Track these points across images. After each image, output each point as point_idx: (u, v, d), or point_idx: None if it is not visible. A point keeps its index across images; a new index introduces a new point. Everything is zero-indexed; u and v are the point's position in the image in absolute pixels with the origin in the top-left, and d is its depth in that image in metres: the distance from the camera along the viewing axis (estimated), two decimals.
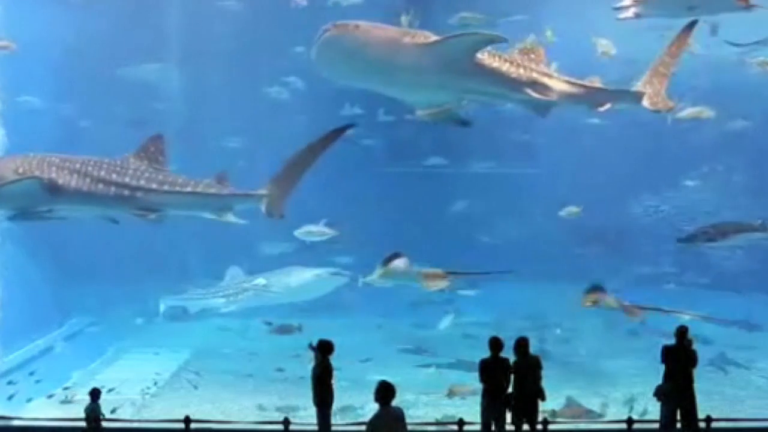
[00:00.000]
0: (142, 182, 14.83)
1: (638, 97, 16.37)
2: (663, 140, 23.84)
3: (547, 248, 23.93)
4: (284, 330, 19.36)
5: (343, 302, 21.58)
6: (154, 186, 14.89)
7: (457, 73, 14.75)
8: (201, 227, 23.89)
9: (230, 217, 15.69)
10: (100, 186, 14.61)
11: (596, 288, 15.65)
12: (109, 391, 15.68)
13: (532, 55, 15.70)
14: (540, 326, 20.49)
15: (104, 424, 11.52)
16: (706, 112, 20.39)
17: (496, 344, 11.07)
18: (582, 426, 13.86)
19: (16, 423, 13.51)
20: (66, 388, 16.39)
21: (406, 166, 25.41)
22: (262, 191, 15.49)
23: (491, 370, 10.99)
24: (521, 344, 11.04)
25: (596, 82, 16.43)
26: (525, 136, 24.04)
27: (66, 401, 15.86)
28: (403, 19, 15.44)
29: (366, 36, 14.16)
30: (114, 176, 14.71)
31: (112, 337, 21.23)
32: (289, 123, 22.08)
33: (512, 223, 24.52)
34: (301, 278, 19.83)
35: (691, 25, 16.80)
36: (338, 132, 15.37)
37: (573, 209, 21.63)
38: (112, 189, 14.67)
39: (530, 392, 10.98)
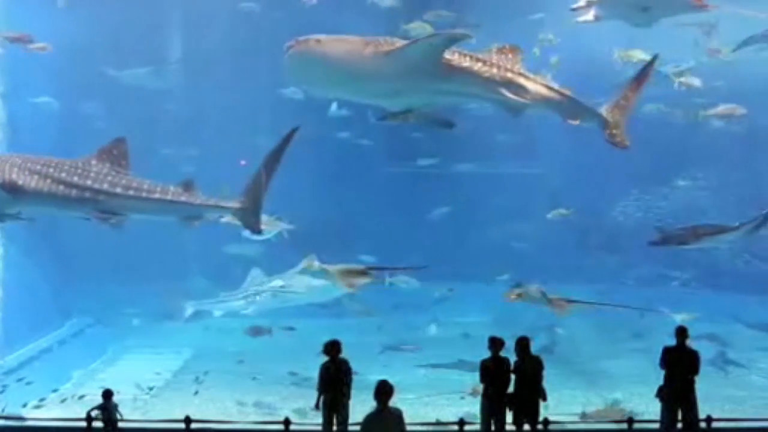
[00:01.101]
0: (105, 185, 14.52)
1: (603, 122, 16.28)
2: (664, 139, 23.94)
3: (547, 248, 23.95)
4: (256, 332, 19.76)
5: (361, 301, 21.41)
6: (118, 190, 14.57)
7: (426, 76, 14.68)
8: (202, 227, 24.08)
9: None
10: (61, 188, 14.36)
11: (520, 284, 15.69)
12: None
13: (510, 55, 15.54)
14: (540, 326, 20.42)
15: (101, 424, 11.49)
16: (739, 110, 20.40)
17: (496, 344, 11.07)
18: (582, 426, 13.87)
19: (16, 423, 13.51)
20: (55, 391, 16.24)
21: (411, 167, 25.41)
22: (236, 204, 15.18)
23: (492, 370, 10.99)
24: (522, 344, 11.04)
25: (568, 92, 16.24)
26: (526, 136, 24.00)
27: (62, 402, 15.79)
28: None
29: (328, 49, 14.26)
30: (75, 178, 14.44)
31: (112, 337, 21.24)
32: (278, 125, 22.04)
33: (512, 223, 24.52)
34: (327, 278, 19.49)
35: (652, 62, 16.95)
36: (289, 137, 15.22)
37: (562, 211, 21.66)
38: (73, 191, 14.41)
39: (531, 392, 10.97)
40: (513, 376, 11.02)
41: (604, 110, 16.31)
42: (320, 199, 23.30)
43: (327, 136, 23.23)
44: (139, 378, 17.89)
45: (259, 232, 15.87)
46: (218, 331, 21.73)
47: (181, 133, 23.81)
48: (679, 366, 11.03)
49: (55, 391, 16.25)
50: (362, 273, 15.89)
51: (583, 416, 13.83)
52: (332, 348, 11.18)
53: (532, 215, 24.10)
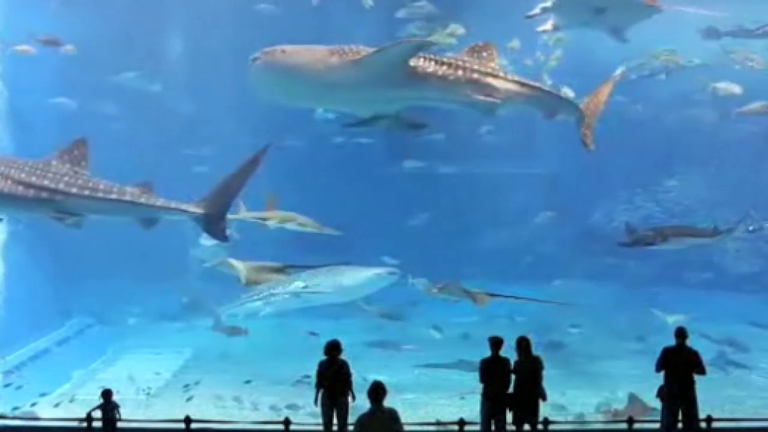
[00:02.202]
0: (62, 186, 14.39)
1: (580, 115, 16.30)
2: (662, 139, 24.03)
3: (546, 249, 23.99)
4: (234, 331, 20.18)
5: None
6: (74, 190, 14.43)
7: (392, 84, 14.75)
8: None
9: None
10: (20, 188, 14.24)
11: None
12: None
13: (484, 54, 15.56)
14: (540, 326, 20.43)
15: (100, 424, 11.49)
16: None
17: (496, 344, 11.06)
18: (582, 426, 13.87)
19: (16, 423, 13.50)
20: (43, 395, 16.16)
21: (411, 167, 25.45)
22: (198, 209, 14.98)
23: (491, 370, 10.97)
24: (522, 344, 11.03)
25: (544, 87, 16.41)
26: (527, 136, 24.03)
27: (55, 406, 15.74)
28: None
29: (293, 59, 14.35)
30: (34, 179, 14.32)
31: (112, 337, 21.25)
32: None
33: (512, 224, 24.52)
34: (355, 277, 19.00)
35: (614, 79, 17.19)
36: (262, 153, 15.14)
37: (548, 214, 21.65)
38: (31, 191, 14.28)
39: (531, 392, 10.96)
40: (513, 376, 11.01)
41: (582, 106, 16.44)
42: (337, 201, 23.35)
43: (344, 136, 23.24)
44: (139, 378, 17.91)
45: (224, 239, 15.58)
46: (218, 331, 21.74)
47: (194, 133, 23.79)
48: (679, 365, 11.02)
49: (43, 395, 16.10)
50: (278, 270, 15.76)
51: (615, 414, 13.79)
52: (332, 348, 11.17)
53: (535, 215, 24.17)
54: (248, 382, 17.56)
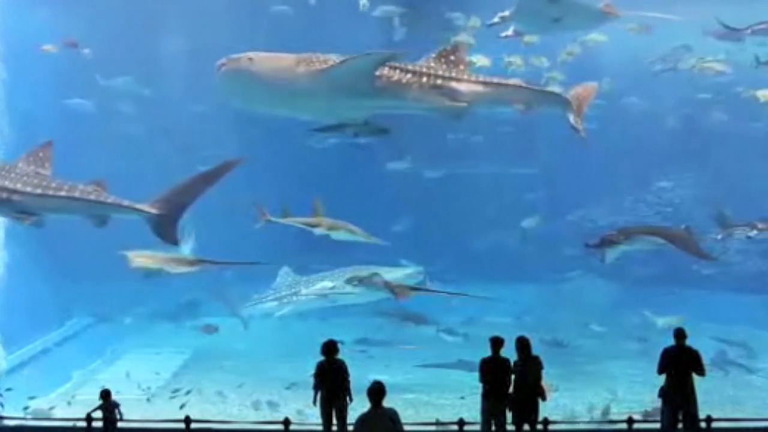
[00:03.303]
0: (19, 185, 14.40)
1: (566, 103, 16.26)
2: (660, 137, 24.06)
3: (545, 249, 23.95)
4: (208, 330, 20.53)
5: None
6: (29, 189, 14.41)
7: (358, 93, 14.85)
8: (200, 228, 24.07)
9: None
10: None
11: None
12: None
13: (452, 57, 15.59)
14: (539, 326, 20.45)
15: (100, 424, 11.50)
16: None
17: (496, 343, 11.06)
18: (582, 426, 13.88)
19: (16, 423, 13.52)
20: (32, 398, 16.07)
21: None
22: (152, 209, 14.83)
23: (491, 370, 10.98)
24: (522, 344, 11.03)
25: (520, 83, 16.34)
26: (525, 136, 24.05)
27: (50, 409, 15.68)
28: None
29: (259, 67, 14.44)
30: None
31: (111, 337, 21.23)
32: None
33: (510, 224, 24.49)
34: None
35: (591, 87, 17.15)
36: (231, 164, 15.01)
37: (536, 218, 21.63)
38: None
39: (531, 392, 10.96)
40: (513, 376, 11.01)
41: (570, 94, 16.41)
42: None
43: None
44: (138, 378, 17.91)
45: (174, 243, 15.28)
46: (218, 331, 21.72)
47: (204, 135, 23.78)
48: (679, 366, 11.03)
49: (32, 398, 16.00)
50: (191, 262, 15.58)
51: (646, 414, 13.77)
52: (328, 348, 11.18)
53: (534, 216, 24.14)
54: (240, 386, 17.50)
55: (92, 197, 14.61)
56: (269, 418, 13.51)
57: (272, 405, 16.14)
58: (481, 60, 19.60)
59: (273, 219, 17.38)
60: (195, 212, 24.53)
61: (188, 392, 16.86)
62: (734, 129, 24.14)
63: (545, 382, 14.94)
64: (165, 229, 14.89)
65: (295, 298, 19.31)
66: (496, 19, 16.78)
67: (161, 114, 23.33)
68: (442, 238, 24.43)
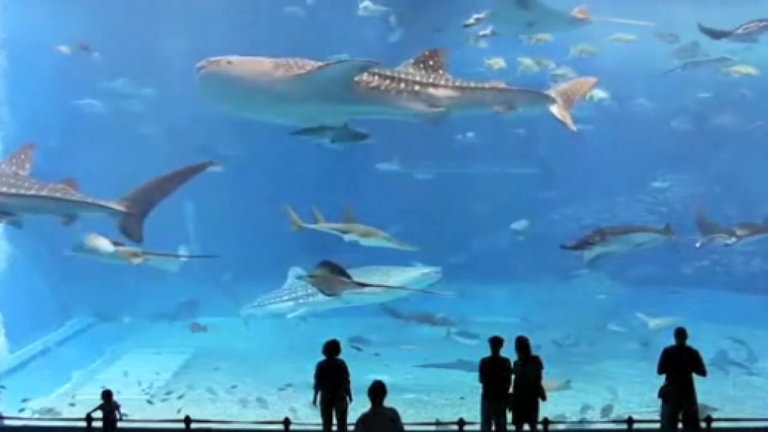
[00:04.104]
0: None
1: (548, 101, 16.34)
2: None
3: (545, 248, 23.92)
4: (197, 328, 20.99)
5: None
6: (3, 189, 14.49)
7: (336, 99, 14.92)
8: (202, 228, 24.11)
9: None
10: None
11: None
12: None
13: (431, 62, 15.66)
14: (540, 326, 20.44)
15: (100, 424, 11.50)
16: None
17: (496, 343, 11.07)
18: (582, 426, 13.89)
19: (15, 423, 13.52)
20: (25, 400, 16.01)
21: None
22: (119, 206, 14.85)
23: (491, 370, 10.98)
24: (522, 344, 11.04)
25: (499, 85, 16.39)
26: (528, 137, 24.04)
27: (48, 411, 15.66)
28: None
29: (238, 70, 14.49)
30: None
31: (112, 337, 21.23)
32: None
33: (508, 224, 24.49)
34: (400, 278, 18.71)
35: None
36: (202, 166, 15.08)
37: (523, 222, 21.67)
38: None
39: (531, 392, 10.97)
40: (513, 376, 11.02)
41: (552, 91, 16.51)
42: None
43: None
44: (139, 378, 17.91)
45: (139, 240, 15.28)
46: (218, 331, 21.73)
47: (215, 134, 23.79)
48: (679, 365, 11.03)
49: (24, 401, 15.93)
50: (137, 254, 15.55)
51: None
52: (330, 348, 11.18)
53: (531, 216, 24.09)
54: (233, 387, 17.46)
55: (58, 195, 14.67)
56: (258, 416, 13.54)
57: (261, 402, 16.26)
58: (497, 62, 19.67)
59: (304, 225, 17.45)
60: (195, 211, 24.78)
61: (181, 396, 16.82)
62: (733, 129, 24.19)
63: (550, 382, 15.08)
64: (130, 227, 14.94)
65: (311, 298, 19.15)
66: (471, 20, 16.99)
67: (161, 114, 23.33)
68: (442, 238, 24.42)
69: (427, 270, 18.91)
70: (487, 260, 23.07)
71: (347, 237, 17.22)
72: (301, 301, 19.38)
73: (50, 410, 15.25)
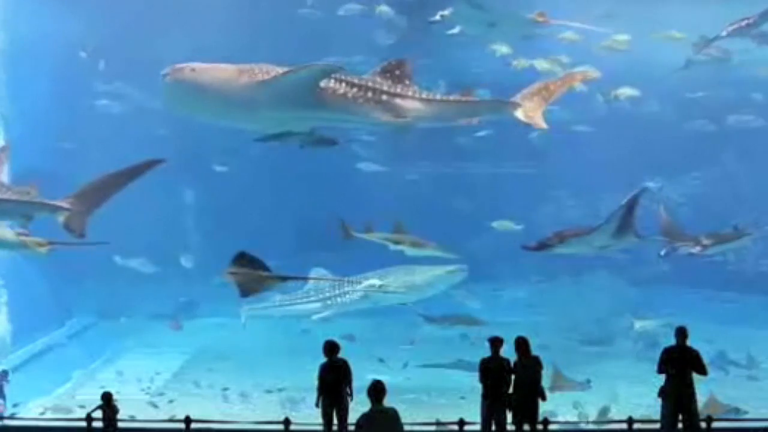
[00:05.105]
0: None
1: (512, 107, 16.36)
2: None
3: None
4: (174, 326, 21.63)
5: None
6: None
7: (301, 105, 14.96)
8: (202, 228, 24.11)
9: None
10: None
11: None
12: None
13: (397, 72, 15.68)
14: (538, 326, 20.42)
15: (100, 424, 11.50)
16: None
17: (495, 344, 11.06)
18: (582, 426, 13.88)
19: (15, 423, 13.53)
20: (15, 405, 16.04)
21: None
22: (64, 203, 14.71)
23: (491, 370, 10.98)
24: (521, 344, 11.04)
25: (468, 95, 16.47)
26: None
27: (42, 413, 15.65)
28: None
29: (202, 77, 14.60)
30: None
31: (112, 337, 21.24)
32: None
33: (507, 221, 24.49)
34: (426, 276, 18.76)
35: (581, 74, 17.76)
36: (149, 165, 14.80)
37: (507, 223, 21.68)
38: None
39: (530, 392, 10.96)
40: (512, 376, 11.02)
41: (519, 96, 16.43)
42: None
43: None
44: (139, 378, 17.93)
45: (80, 235, 15.01)
46: (217, 331, 21.75)
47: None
48: (680, 365, 11.03)
49: (15, 405, 15.96)
50: (41, 243, 15.08)
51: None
52: (330, 349, 11.18)
53: (529, 215, 24.03)
54: (225, 389, 17.46)
55: (6, 196, 14.46)
56: (240, 410, 13.49)
57: (244, 396, 16.55)
58: (540, 64, 19.71)
59: (357, 235, 17.54)
60: (195, 212, 24.71)
61: (171, 401, 16.80)
62: (728, 129, 24.18)
63: (570, 382, 15.09)
64: (73, 222, 14.83)
65: (339, 299, 19.06)
66: (437, 18, 17.35)
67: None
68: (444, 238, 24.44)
69: (452, 267, 18.81)
70: (487, 260, 23.04)
71: (393, 247, 17.46)
72: (329, 302, 19.21)
73: (44, 413, 15.29)
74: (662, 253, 16.81)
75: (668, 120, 24.51)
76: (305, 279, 17.71)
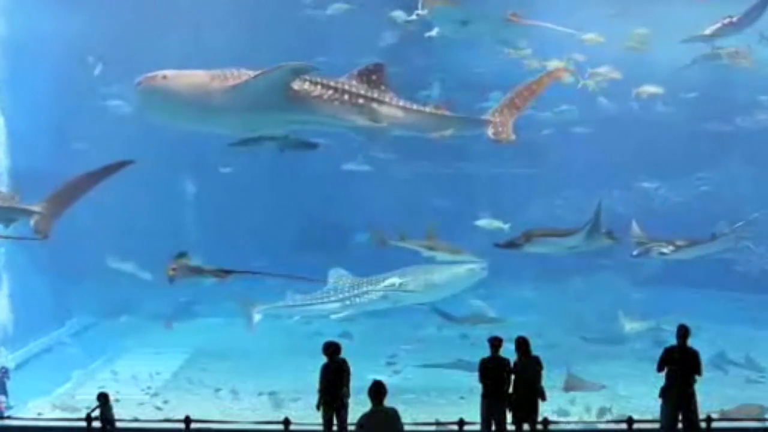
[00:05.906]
0: None
1: (484, 124, 16.54)
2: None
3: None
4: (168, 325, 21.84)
5: None
6: None
7: (274, 107, 14.99)
8: (203, 228, 24.09)
9: None
10: None
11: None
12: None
13: (373, 77, 15.72)
14: (539, 326, 20.41)
15: (99, 423, 11.51)
16: None
17: (495, 343, 11.06)
18: (582, 426, 13.87)
19: (16, 423, 13.53)
20: (10, 407, 15.96)
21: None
22: (37, 207, 14.75)
23: (491, 370, 10.98)
24: (521, 344, 11.03)
25: (442, 109, 16.54)
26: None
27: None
28: None
29: (174, 84, 14.66)
30: None
31: (112, 337, 21.23)
32: None
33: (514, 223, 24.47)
34: (446, 275, 18.48)
35: (553, 72, 17.79)
36: (119, 165, 14.81)
37: (495, 222, 21.65)
38: None
39: (530, 392, 10.96)
40: (512, 376, 11.01)
41: (490, 113, 16.67)
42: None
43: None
44: (139, 378, 17.92)
45: (44, 237, 15.05)
46: (218, 331, 21.73)
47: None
48: (681, 365, 11.03)
49: (10, 407, 15.87)
50: None
51: (722, 413, 13.77)
52: (330, 349, 11.19)
53: (526, 214, 24.05)
54: (218, 390, 17.39)
55: None
56: (230, 407, 13.45)
57: (234, 393, 16.57)
58: (554, 64, 19.67)
59: (391, 242, 17.52)
60: (196, 212, 24.70)
61: (165, 402, 16.72)
62: (724, 129, 24.18)
63: (586, 383, 15.06)
64: (40, 224, 14.86)
65: (358, 299, 18.79)
66: (413, 17, 17.55)
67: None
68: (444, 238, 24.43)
69: (473, 266, 18.59)
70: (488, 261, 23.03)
71: (425, 253, 17.52)
72: (347, 302, 18.92)
73: (41, 414, 15.29)
74: (634, 253, 16.86)
75: (672, 120, 24.49)
76: (249, 273, 17.27)
